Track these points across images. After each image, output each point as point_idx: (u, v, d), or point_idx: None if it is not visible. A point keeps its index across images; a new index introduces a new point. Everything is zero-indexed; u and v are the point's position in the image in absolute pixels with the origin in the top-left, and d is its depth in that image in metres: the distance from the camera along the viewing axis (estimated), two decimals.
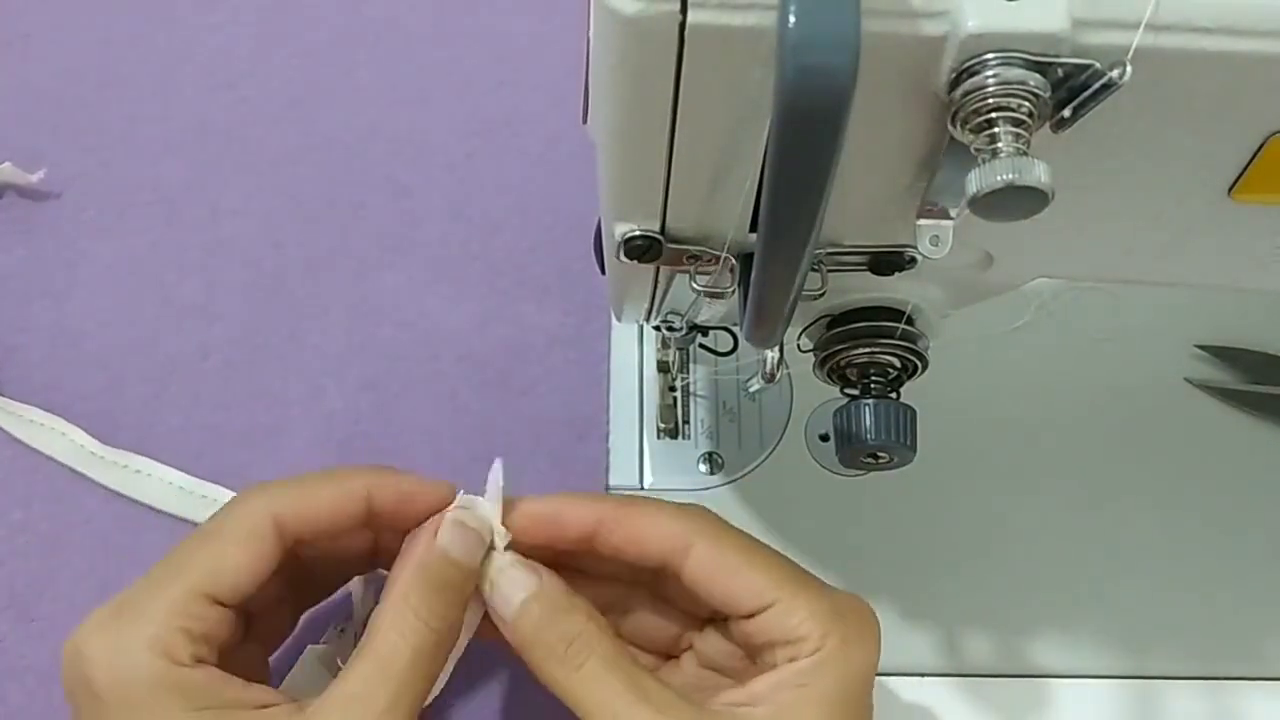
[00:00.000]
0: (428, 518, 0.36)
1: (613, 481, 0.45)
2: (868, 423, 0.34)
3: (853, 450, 0.35)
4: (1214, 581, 0.44)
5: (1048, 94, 0.22)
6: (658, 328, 0.41)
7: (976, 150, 0.22)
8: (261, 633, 0.38)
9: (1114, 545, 0.44)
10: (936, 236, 0.26)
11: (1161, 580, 0.44)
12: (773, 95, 0.19)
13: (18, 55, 0.56)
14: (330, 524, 0.35)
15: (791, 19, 0.18)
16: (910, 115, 0.24)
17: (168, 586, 0.33)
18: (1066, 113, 0.22)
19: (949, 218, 0.26)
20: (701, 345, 0.47)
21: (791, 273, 0.24)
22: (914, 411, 0.35)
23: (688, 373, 0.47)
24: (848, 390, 0.35)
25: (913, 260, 0.29)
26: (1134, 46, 0.21)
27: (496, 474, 0.36)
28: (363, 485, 0.35)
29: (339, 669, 0.33)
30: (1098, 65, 0.21)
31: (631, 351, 0.48)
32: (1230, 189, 0.26)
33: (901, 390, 0.35)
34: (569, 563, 0.36)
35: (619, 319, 0.39)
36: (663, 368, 0.47)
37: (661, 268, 0.31)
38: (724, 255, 0.29)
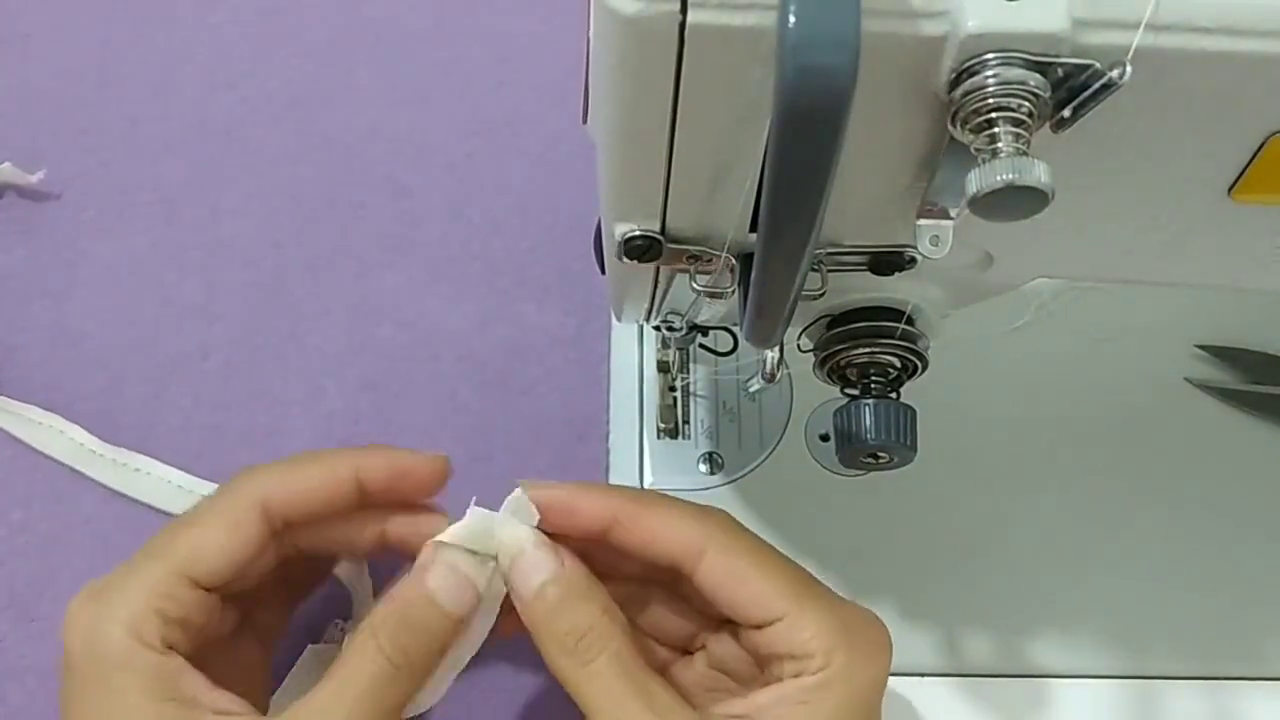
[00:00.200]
0: (424, 493, 0.36)
1: (613, 481, 0.45)
2: (868, 423, 0.34)
3: (853, 450, 0.35)
4: (1214, 581, 0.44)
5: (1048, 94, 0.22)
6: (658, 328, 0.41)
7: (976, 150, 0.22)
8: (257, 627, 0.38)
9: (1114, 545, 0.44)
10: (936, 236, 0.26)
11: (1161, 580, 0.44)
12: (773, 95, 0.19)
13: (18, 55, 0.56)
14: (319, 504, 0.35)
15: (791, 19, 0.18)
16: (910, 115, 0.24)
17: (149, 567, 0.33)
18: (1066, 113, 0.22)
19: (949, 218, 0.26)
20: (701, 345, 0.47)
21: (791, 273, 0.24)
22: (914, 411, 0.35)
23: (688, 373, 0.47)
24: (848, 390, 0.35)
25: (913, 260, 0.29)
26: (1134, 46, 0.21)
27: (522, 501, 0.35)
28: (351, 464, 0.35)
29: None
30: (1098, 65, 0.21)
31: (631, 351, 0.48)
32: (1230, 189, 0.26)
33: (901, 390, 0.35)
34: (590, 553, 0.36)
35: (619, 319, 0.39)
36: (663, 368, 0.47)
37: (661, 268, 0.31)
38: (724, 255, 0.29)
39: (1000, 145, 0.22)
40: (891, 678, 0.41)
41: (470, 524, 0.35)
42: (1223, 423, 0.47)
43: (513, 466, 0.46)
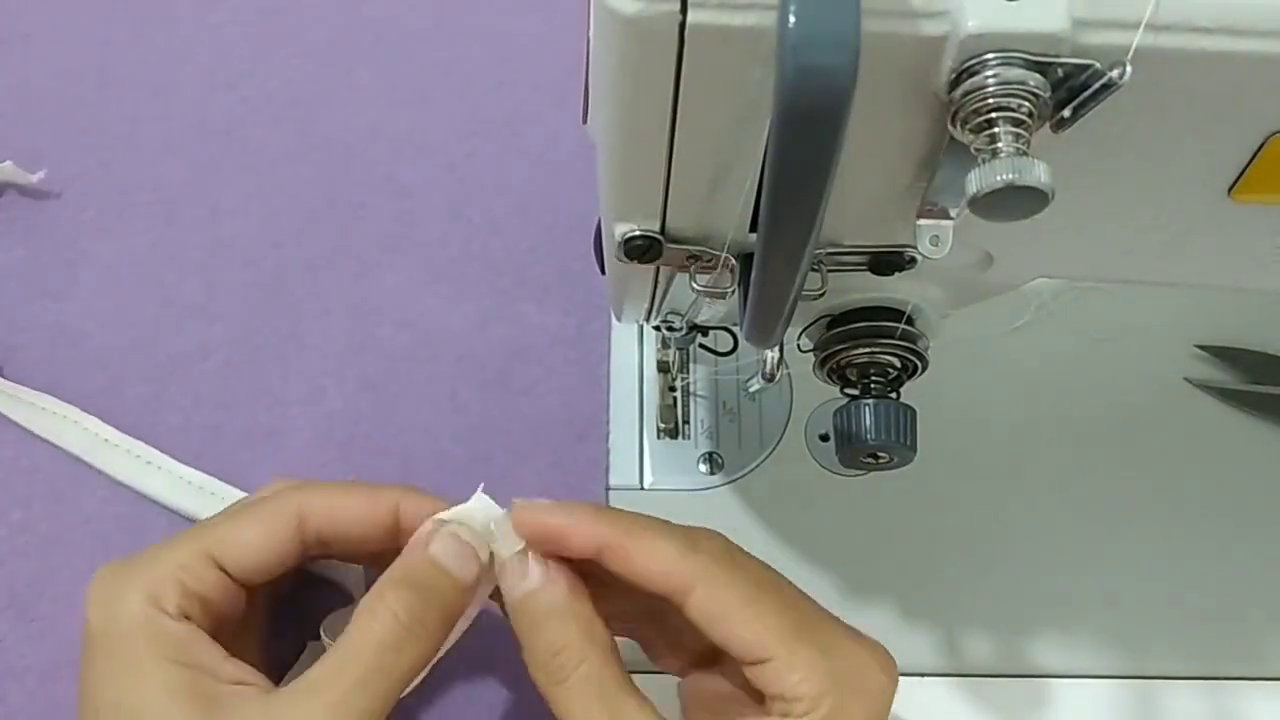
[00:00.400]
0: None
1: (613, 481, 0.45)
2: (868, 423, 0.34)
3: (853, 450, 0.35)
4: (1214, 581, 0.44)
5: (1048, 94, 0.22)
6: (658, 328, 0.41)
7: (976, 150, 0.22)
8: (272, 617, 0.38)
9: (1114, 545, 0.44)
10: (936, 236, 0.26)
11: (1161, 580, 0.44)
12: (773, 95, 0.19)
13: (18, 55, 0.56)
14: (354, 531, 0.36)
15: (791, 19, 0.18)
16: (910, 115, 0.24)
17: (177, 543, 0.35)
18: (1066, 113, 0.22)
19: (949, 218, 0.26)
20: (701, 345, 0.47)
21: (791, 273, 0.24)
22: (914, 411, 0.35)
23: (688, 373, 0.47)
24: (848, 390, 0.35)
25: (913, 260, 0.29)
26: (1134, 46, 0.21)
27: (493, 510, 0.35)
28: (392, 501, 0.36)
29: None
30: (1098, 65, 0.21)
31: (631, 351, 0.48)
32: (1230, 189, 0.26)
33: (901, 390, 0.35)
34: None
35: (619, 319, 0.39)
36: (663, 368, 0.47)
37: (661, 268, 0.31)
38: (724, 255, 0.29)
39: (1000, 145, 0.22)
40: None
41: (473, 507, 0.35)
42: (1223, 423, 0.47)
43: (513, 466, 0.46)
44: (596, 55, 0.24)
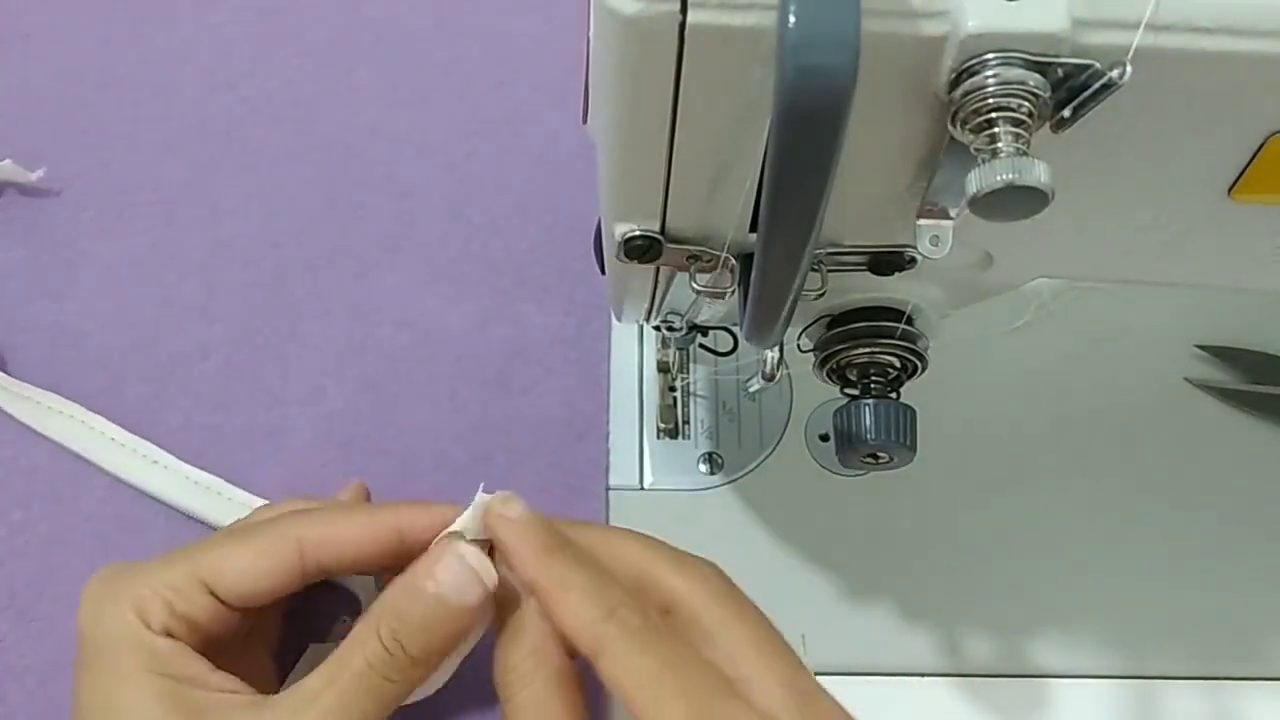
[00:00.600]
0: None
1: (613, 481, 0.45)
2: (868, 423, 0.34)
3: (853, 450, 0.35)
4: (1214, 581, 0.44)
5: (1048, 94, 0.22)
6: (658, 328, 0.41)
7: (976, 150, 0.22)
8: (266, 634, 0.38)
9: (1114, 545, 0.44)
10: (936, 236, 0.26)
11: (1161, 580, 0.44)
12: (773, 95, 0.19)
13: (18, 55, 0.56)
14: (357, 557, 0.36)
15: (791, 19, 0.18)
16: (910, 115, 0.24)
17: (171, 562, 0.35)
18: (1066, 113, 0.22)
19: (949, 218, 0.26)
20: (701, 345, 0.47)
21: (791, 273, 0.24)
22: (914, 411, 0.35)
23: (688, 373, 0.47)
24: (848, 390, 0.35)
25: (913, 260, 0.29)
26: (1134, 46, 0.21)
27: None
28: (393, 522, 0.36)
29: None
30: (1098, 65, 0.21)
31: (631, 351, 0.48)
32: (1230, 189, 0.26)
33: (901, 390, 0.35)
34: None
35: (619, 319, 0.39)
36: (663, 368, 0.47)
37: (661, 268, 0.31)
38: (724, 255, 0.29)
39: (1000, 145, 0.22)
40: (891, 678, 0.42)
41: (476, 514, 0.35)
42: (1223, 423, 0.47)
43: (513, 466, 0.46)
44: (596, 55, 0.24)
